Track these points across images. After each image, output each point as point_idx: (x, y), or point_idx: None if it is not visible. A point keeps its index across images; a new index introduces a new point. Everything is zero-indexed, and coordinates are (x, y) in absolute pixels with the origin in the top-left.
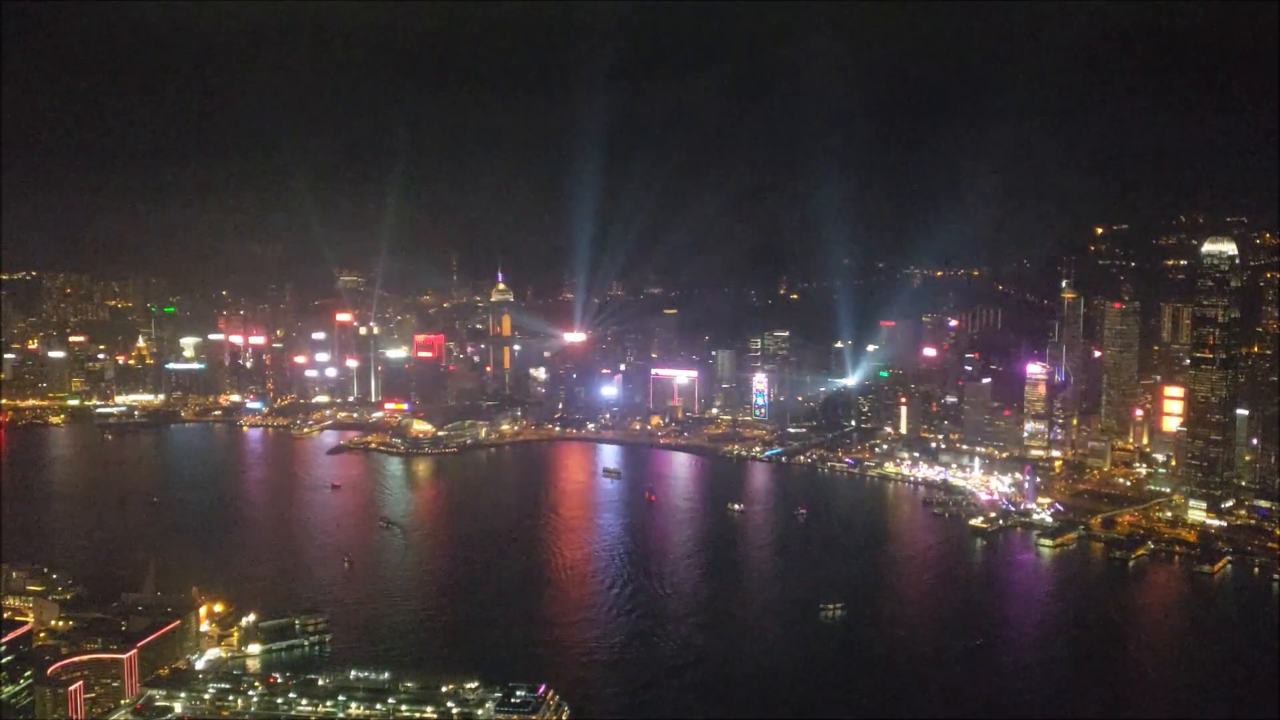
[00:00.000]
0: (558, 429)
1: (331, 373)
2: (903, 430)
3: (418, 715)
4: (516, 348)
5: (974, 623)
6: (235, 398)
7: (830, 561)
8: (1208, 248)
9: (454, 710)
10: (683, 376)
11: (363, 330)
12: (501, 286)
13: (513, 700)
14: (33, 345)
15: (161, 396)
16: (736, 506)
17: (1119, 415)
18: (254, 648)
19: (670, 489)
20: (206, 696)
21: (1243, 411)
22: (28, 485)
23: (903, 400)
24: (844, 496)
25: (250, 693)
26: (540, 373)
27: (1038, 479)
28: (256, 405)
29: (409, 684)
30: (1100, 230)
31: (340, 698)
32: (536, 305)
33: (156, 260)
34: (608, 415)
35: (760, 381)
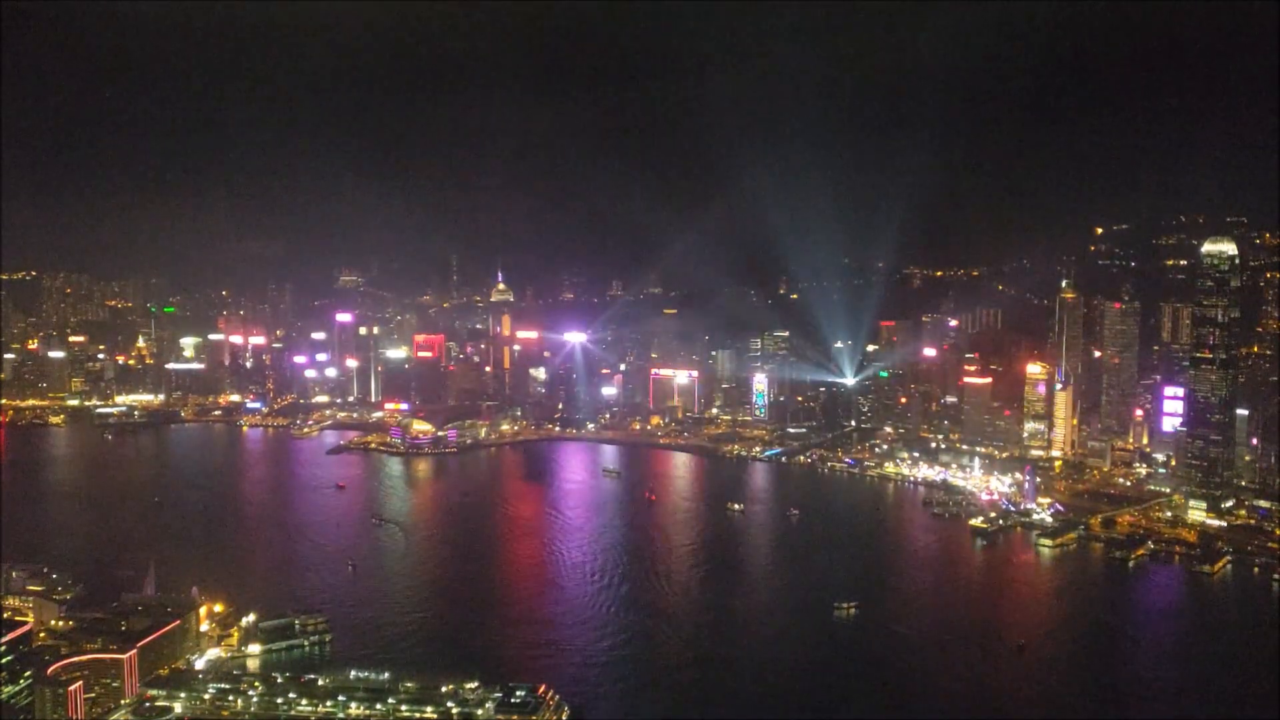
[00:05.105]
0: (558, 429)
1: (331, 373)
2: (903, 430)
3: (418, 715)
4: (516, 348)
5: (977, 619)
6: (235, 398)
7: (833, 561)
8: (1208, 248)
9: (454, 710)
10: (683, 376)
11: (363, 330)
12: (501, 286)
13: (512, 700)
14: (33, 345)
15: (161, 396)
16: (736, 506)
17: (1119, 415)
18: (254, 648)
19: (670, 489)
20: (206, 696)
21: (1243, 411)
22: (28, 485)
23: (903, 400)
24: (844, 497)
25: (250, 693)
26: (540, 373)
27: (1038, 479)
28: (256, 405)
29: (409, 684)
30: (1100, 230)
31: (340, 698)
32: (536, 305)
33: (156, 260)
34: (608, 415)
35: (760, 381)
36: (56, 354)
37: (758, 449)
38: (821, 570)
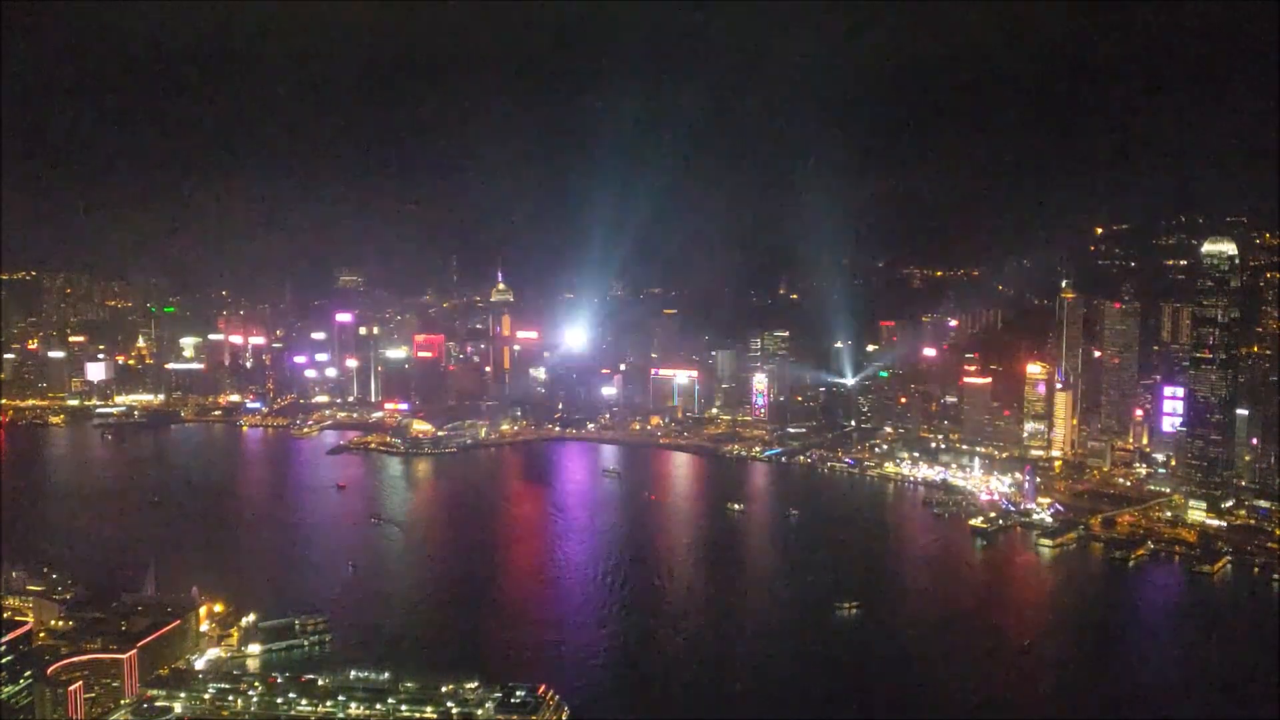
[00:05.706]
0: (558, 429)
1: (331, 373)
2: (903, 430)
3: (418, 715)
4: (516, 348)
5: (978, 619)
6: (235, 398)
7: (833, 561)
8: (1208, 248)
9: (454, 710)
10: (683, 376)
11: (363, 330)
12: (501, 286)
13: (512, 700)
14: (33, 345)
15: (161, 396)
16: (737, 506)
17: (1119, 415)
18: (254, 648)
19: (670, 489)
20: (206, 696)
21: (1243, 411)
22: (28, 485)
23: (903, 400)
24: (843, 497)
25: (250, 693)
26: (540, 373)
27: (1038, 479)
28: (256, 405)
29: (409, 684)
30: (1100, 230)
31: (340, 698)
32: (536, 305)
33: (156, 260)
34: (608, 415)
35: (760, 381)
36: (56, 354)
37: (758, 449)
38: (822, 570)
